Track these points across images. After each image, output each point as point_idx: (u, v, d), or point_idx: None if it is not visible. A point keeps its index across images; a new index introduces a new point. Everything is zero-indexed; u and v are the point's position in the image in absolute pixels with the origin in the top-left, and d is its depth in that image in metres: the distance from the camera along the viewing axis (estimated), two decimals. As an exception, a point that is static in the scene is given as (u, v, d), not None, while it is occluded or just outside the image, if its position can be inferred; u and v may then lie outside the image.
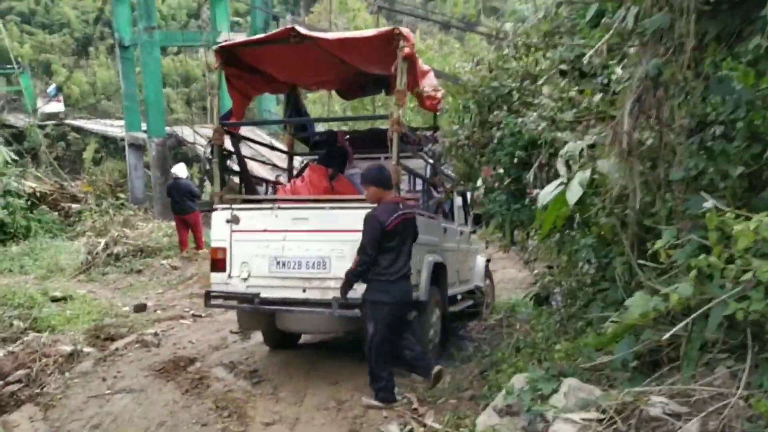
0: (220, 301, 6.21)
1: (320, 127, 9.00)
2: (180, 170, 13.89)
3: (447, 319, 7.13)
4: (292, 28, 6.20)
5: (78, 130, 41.11)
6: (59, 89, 41.84)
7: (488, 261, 9.93)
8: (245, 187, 7.02)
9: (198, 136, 25.08)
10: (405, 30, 5.79)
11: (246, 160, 7.41)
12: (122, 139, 30.83)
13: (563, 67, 6.00)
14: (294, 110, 8.18)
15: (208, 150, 6.65)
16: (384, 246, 5.29)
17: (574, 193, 3.84)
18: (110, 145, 39.63)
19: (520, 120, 5.52)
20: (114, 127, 36.25)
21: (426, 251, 6.43)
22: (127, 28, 28.31)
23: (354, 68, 7.19)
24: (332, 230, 5.84)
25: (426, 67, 6.29)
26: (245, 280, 5.99)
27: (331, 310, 5.59)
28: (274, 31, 6.55)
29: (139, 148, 29.05)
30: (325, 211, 5.99)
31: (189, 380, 6.43)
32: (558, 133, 5.25)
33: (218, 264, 6.12)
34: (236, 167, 7.24)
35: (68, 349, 7.59)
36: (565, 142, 5.07)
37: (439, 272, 6.67)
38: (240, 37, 29.23)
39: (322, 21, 56.04)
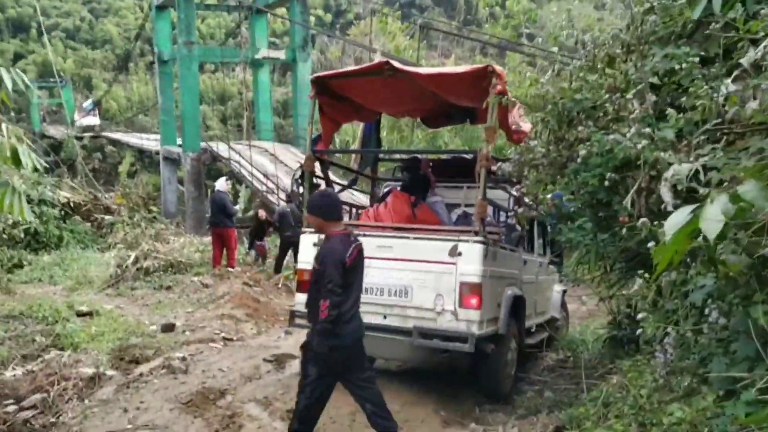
0: (303, 321, 5.97)
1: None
2: (220, 184, 13.35)
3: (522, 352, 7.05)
4: (387, 62, 6.33)
5: (114, 143, 41.17)
6: (96, 104, 42.14)
7: (565, 291, 9.68)
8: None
9: (233, 152, 24.61)
10: (498, 67, 5.77)
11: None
12: (157, 153, 30.62)
13: (654, 80, 5.24)
14: (376, 138, 8.66)
15: (298, 174, 6.87)
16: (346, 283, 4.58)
17: (713, 224, 2.98)
18: (145, 159, 39.59)
19: (611, 137, 4.70)
20: (150, 141, 36.17)
21: (506, 284, 6.38)
22: (167, 43, 28.18)
23: (441, 99, 7.16)
24: (415, 260, 5.85)
25: (513, 99, 6.01)
26: None
27: (411, 339, 5.64)
28: (368, 64, 6.74)
29: (173, 162, 28.74)
30: (409, 241, 6.00)
31: (219, 417, 5.67)
32: (661, 153, 4.44)
33: (303, 285, 6.15)
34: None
35: (90, 371, 6.91)
36: (669, 164, 4.27)
37: (517, 305, 6.55)
38: (278, 54, 29.07)
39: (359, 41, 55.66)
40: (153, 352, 8.13)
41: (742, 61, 4.63)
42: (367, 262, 5.30)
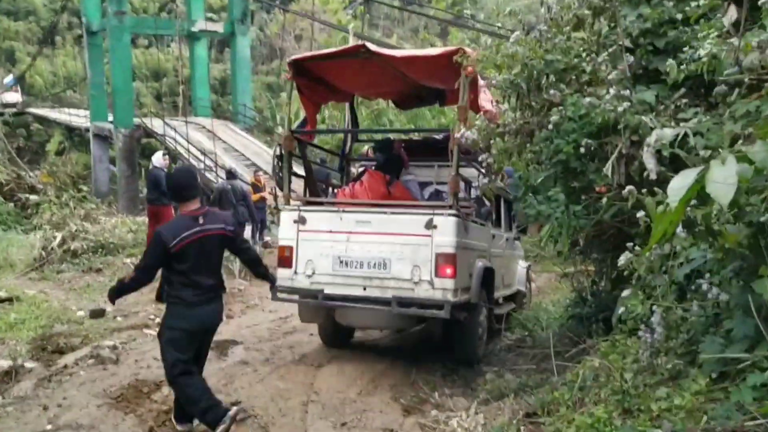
0: (285, 295, 6.38)
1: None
2: (157, 159, 12.41)
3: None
4: (363, 45, 6.49)
5: (41, 120, 38.97)
6: (17, 80, 39.77)
7: (529, 267, 10.23)
8: (309, 190, 7.31)
9: (168, 128, 23.49)
10: (468, 50, 5.90)
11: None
12: (87, 130, 29.02)
13: (628, 43, 4.88)
14: (352, 120, 8.78)
15: (277, 151, 6.93)
16: (175, 268, 4.46)
17: (725, 187, 2.58)
18: (75, 137, 37.58)
19: (587, 100, 4.31)
20: (79, 118, 34.27)
21: (477, 256, 6.68)
22: (96, 13, 26.59)
23: (413, 81, 7.39)
24: (393, 233, 6.05)
25: (482, 83, 6.13)
26: (309, 276, 6.26)
27: (390, 308, 5.91)
28: (345, 46, 7.16)
29: (104, 139, 27.32)
30: (387, 216, 6.18)
31: (154, 413, 5.09)
32: (643, 117, 4.07)
33: (285, 261, 6.37)
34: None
35: (5, 364, 6.16)
36: (651, 128, 3.91)
37: (487, 276, 6.85)
38: (215, 27, 27.92)
39: (297, 20, 54.78)
40: (80, 341, 7.43)
41: (723, 20, 4.32)
42: (346, 236, 6.11)
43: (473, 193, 7.38)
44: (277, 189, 19.66)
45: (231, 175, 13.61)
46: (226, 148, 23.78)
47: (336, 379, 5.85)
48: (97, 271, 11.53)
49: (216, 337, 7.76)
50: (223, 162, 20.21)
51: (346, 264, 6.15)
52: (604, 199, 4.18)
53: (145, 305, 9.28)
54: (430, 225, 5.94)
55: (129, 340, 7.63)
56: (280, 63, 49.59)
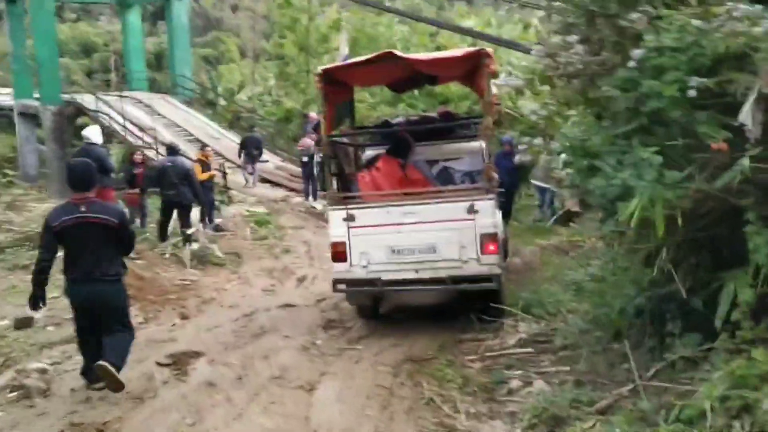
0: (344, 287, 6.81)
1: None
2: (93, 133, 10.56)
3: None
4: (391, 53, 7.09)
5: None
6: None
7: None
8: (342, 186, 7.43)
9: (102, 103, 21.29)
10: (489, 50, 6.53)
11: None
12: (11, 109, 26.35)
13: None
14: (351, 109, 8.70)
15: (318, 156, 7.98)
16: (61, 246, 5.00)
17: None
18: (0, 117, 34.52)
19: (696, 22, 3.02)
20: (3, 96, 31.27)
21: (500, 230, 7.26)
22: (14, -22, 23.86)
23: (417, 71, 7.61)
24: (438, 221, 6.54)
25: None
26: (365, 267, 6.66)
27: (446, 286, 6.62)
28: (375, 54, 7.12)
29: (31, 118, 24.82)
30: (431, 205, 6.69)
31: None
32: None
33: (339, 255, 6.75)
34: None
35: None
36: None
37: (506, 246, 7.78)
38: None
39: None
40: (0, 362, 5.87)
41: None
42: (396, 228, 6.59)
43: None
44: (226, 166, 17.49)
45: (172, 150, 11.86)
46: (166, 123, 21.76)
47: (339, 410, 4.49)
48: (24, 268, 9.72)
49: (172, 347, 6.42)
50: (164, 138, 18.29)
51: (399, 252, 6.63)
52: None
53: (83, 309, 7.66)
54: (471, 210, 6.48)
55: (63, 358, 6.12)
56: (218, 33, 46.96)
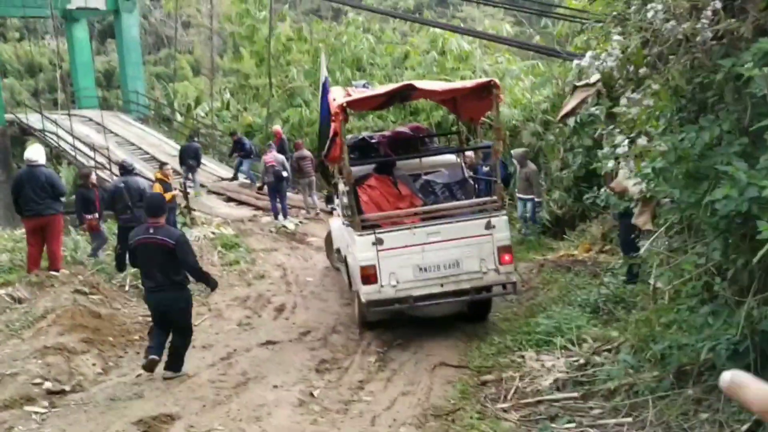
0: (378, 308, 7.00)
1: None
2: (36, 153, 9.24)
3: None
4: (411, 85, 7.54)
5: None
6: None
7: None
8: (357, 209, 7.33)
9: (49, 122, 19.68)
10: (497, 81, 7.19)
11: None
12: (-51, 131, 24.35)
13: None
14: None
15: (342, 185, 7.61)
16: (134, 262, 6.49)
17: None
18: (-62, 140, 32.14)
19: None
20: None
21: None
22: (-51, -8, 22.06)
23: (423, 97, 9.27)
24: (460, 237, 6.99)
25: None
26: (394, 286, 6.94)
27: (469, 297, 7.12)
28: (397, 87, 7.52)
29: (-29, 139, 22.91)
30: (452, 225, 7.11)
31: None
32: None
33: (370, 278, 6.95)
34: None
35: None
36: None
37: None
38: (95, 4, 23.93)
39: (183, 6, 50.77)
40: None
41: None
42: (421, 247, 6.92)
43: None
44: (187, 184, 16.07)
45: (125, 170, 10.54)
46: (119, 142, 20.27)
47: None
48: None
49: (140, 408, 5.19)
50: (117, 157, 16.87)
51: (425, 269, 6.96)
52: None
53: (27, 360, 6.37)
54: (489, 225, 6.96)
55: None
56: (169, 50, 45.29)
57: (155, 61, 52.81)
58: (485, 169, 11.18)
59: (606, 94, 6.07)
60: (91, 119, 21.69)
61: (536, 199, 11.78)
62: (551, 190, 12.77)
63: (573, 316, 7.02)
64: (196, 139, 16.78)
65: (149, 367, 6.02)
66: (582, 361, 5.45)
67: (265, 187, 15.17)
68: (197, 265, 6.43)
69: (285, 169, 14.35)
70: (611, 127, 4.85)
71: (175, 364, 6.15)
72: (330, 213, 11.12)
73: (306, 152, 14.81)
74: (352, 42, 18.92)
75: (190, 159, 16.13)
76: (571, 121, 9.48)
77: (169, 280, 6.02)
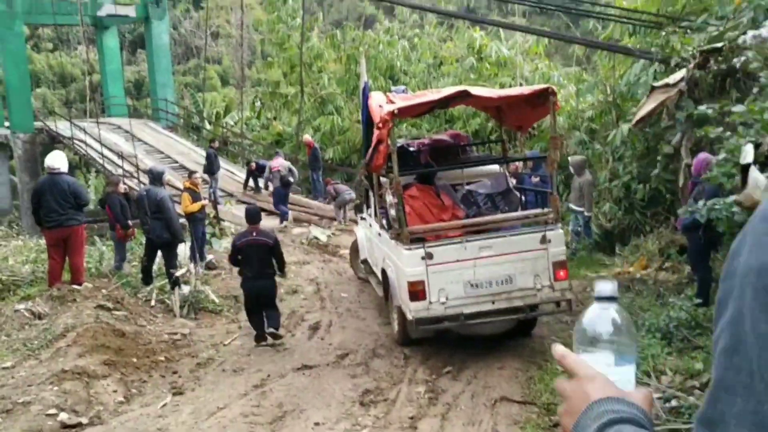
0: (427, 326, 6.63)
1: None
2: (57, 160, 8.68)
3: None
4: (466, 91, 7.10)
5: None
6: None
7: None
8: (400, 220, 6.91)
9: (77, 130, 19.36)
10: (554, 88, 6.86)
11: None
12: (-19, 139, 24.24)
13: None
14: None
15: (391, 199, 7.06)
16: (238, 257, 7.63)
17: None
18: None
19: None
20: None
21: None
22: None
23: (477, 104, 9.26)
24: (513, 252, 6.61)
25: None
26: (443, 303, 6.55)
27: (523, 315, 6.77)
28: (451, 93, 7.19)
29: (2, 147, 22.73)
30: (506, 238, 6.71)
31: None
32: None
33: (419, 294, 6.58)
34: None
35: None
36: None
37: None
38: (126, 11, 23.76)
39: (212, 17, 51.11)
40: None
41: None
42: (473, 262, 6.59)
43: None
44: (215, 194, 15.58)
45: (152, 177, 9.93)
46: (148, 150, 19.88)
47: None
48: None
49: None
50: (147, 166, 16.42)
51: (477, 286, 6.57)
52: None
53: (43, 385, 5.76)
54: (544, 240, 6.60)
55: None
56: (198, 60, 45.23)
57: (184, 71, 53.01)
58: (534, 179, 10.45)
59: (689, 94, 5.30)
60: (119, 127, 21.37)
61: (585, 213, 10.99)
62: (599, 201, 11.98)
63: (645, 344, 6.22)
64: (213, 145, 16.31)
65: (258, 340, 7.63)
66: (674, 402, 4.65)
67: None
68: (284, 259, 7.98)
69: (292, 174, 14.71)
70: (719, 129, 4.12)
71: (275, 322, 7.70)
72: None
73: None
74: (387, 49, 18.27)
75: (208, 164, 15.87)
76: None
77: (264, 271, 7.58)
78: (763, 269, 0.56)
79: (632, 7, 11.24)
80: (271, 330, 7.59)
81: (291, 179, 14.53)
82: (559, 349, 0.92)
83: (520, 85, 15.01)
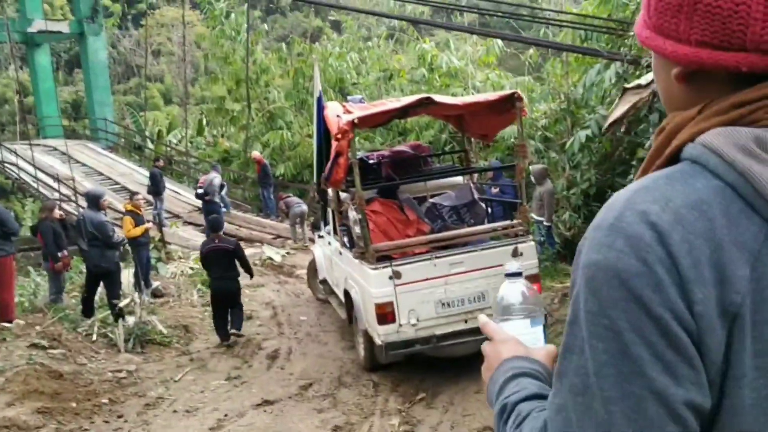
0: (397, 351, 6.23)
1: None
2: None
3: None
4: (428, 98, 6.65)
5: None
6: None
7: None
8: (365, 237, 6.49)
9: (8, 152, 18.19)
10: (520, 93, 6.56)
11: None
12: None
13: None
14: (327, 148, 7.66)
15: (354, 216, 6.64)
16: (205, 263, 8.40)
17: None
18: None
19: None
20: None
21: None
22: None
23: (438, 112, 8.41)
24: (485, 267, 6.19)
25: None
26: (414, 325, 6.18)
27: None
28: (413, 100, 6.78)
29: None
30: (477, 253, 6.34)
31: None
32: None
33: (387, 317, 6.19)
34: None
35: None
36: None
37: None
38: (59, 27, 22.63)
39: (153, 35, 49.99)
40: None
41: None
42: (444, 279, 6.21)
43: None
44: (160, 216, 14.70)
45: (90, 200, 9.14)
46: (87, 172, 18.87)
47: None
48: None
49: None
50: (85, 189, 15.48)
51: (448, 305, 6.23)
52: None
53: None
54: (516, 253, 6.26)
55: None
56: (140, 79, 43.91)
57: (125, 91, 51.36)
58: (494, 190, 10.13)
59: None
60: (55, 149, 20.24)
61: (545, 223, 10.74)
62: (557, 210, 11.78)
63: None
64: (158, 164, 15.48)
65: (222, 339, 8.22)
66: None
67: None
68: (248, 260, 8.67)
69: (212, 192, 14.10)
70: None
71: (238, 324, 8.29)
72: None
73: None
74: (336, 62, 17.83)
75: (151, 185, 15.02)
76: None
77: (228, 273, 8.15)
78: (591, 264, 0.76)
79: (584, 13, 11.15)
80: (233, 331, 8.20)
81: (207, 197, 14.02)
82: (481, 318, 1.08)
83: (472, 95, 14.78)
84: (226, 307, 8.18)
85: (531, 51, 14.90)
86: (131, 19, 59.14)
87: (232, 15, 19.51)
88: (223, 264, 8.07)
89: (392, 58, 18.32)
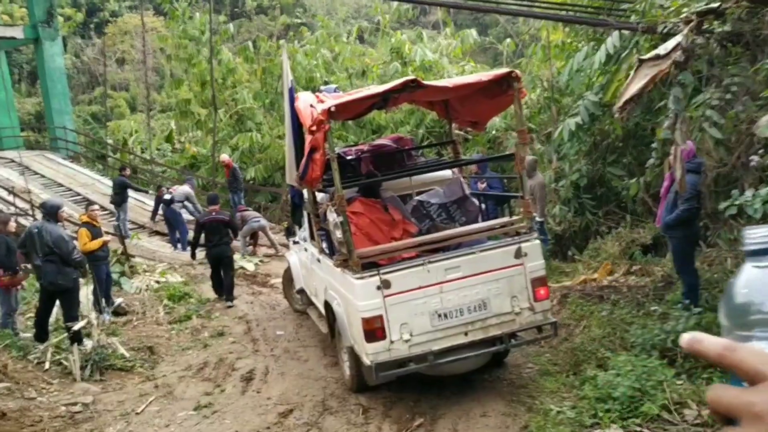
0: (388, 372, 5.41)
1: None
2: None
3: None
4: (414, 80, 5.79)
5: None
6: None
7: None
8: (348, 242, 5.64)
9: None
10: (519, 72, 5.81)
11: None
12: None
13: None
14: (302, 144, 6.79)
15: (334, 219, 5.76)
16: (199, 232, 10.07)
17: None
18: None
19: None
20: None
21: None
22: None
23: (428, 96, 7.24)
24: (486, 271, 5.56)
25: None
26: (407, 341, 5.44)
27: (503, 346, 5.68)
28: (399, 82, 5.73)
29: None
30: (476, 256, 5.61)
31: None
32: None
33: (376, 333, 5.43)
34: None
35: None
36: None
37: None
38: (13, 33, 21.33)
39: (117, 43, 48.55)
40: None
41: None
42: (439, 287, 5.46)
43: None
44: (123, 227, 13.70)
45: (46, 212, 8.23)
46: (46, 184, 17.73)
47: None
48: None
49: None
50: (45, 201, 14.37)
51: (445, 316, 5.48)
52: None
53: None
54: (519, 254, 5.59)
55: None
56: (103, 90, 42.45)
57: (90, 101, 49.71)
58: (481, 185, 9.35)
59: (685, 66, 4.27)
60: (12, 161, 19.03)
61: (537, 218, 10.02)
62: (545, 204, 11.10)
63: (645, 367, 5.16)
64: (124, 173, 14.48)
65: (219, 294, 10.08)
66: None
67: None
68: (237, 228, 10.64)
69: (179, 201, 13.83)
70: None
71: (230, 295, 9.84)
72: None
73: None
74: (305, 60, 16.93)
75: (113, 194, 14.08)
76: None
77: (222, 240, 9.83)
78: None
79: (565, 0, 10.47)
80: (228, 303, 9.68)
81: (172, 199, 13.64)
82: (695, 337, 0.63)
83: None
84: (221, 268, 9.89)
85: (508, 41, 14.20)
86: (93, 27, 57.37)
87: (197, 14, 18.54)
88: (218, 233, 9.77)
89: (366, 52, 17.49)
